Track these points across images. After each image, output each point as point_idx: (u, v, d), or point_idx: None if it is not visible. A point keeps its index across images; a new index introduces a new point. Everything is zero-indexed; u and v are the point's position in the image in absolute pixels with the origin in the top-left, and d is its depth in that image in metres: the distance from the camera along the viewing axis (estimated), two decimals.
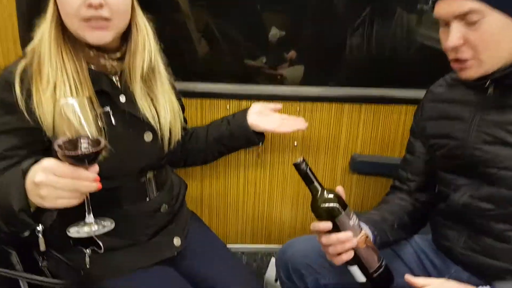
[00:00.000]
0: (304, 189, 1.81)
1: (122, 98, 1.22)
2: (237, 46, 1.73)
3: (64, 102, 0.89)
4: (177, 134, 1.33)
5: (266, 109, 1.57)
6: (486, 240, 1.17)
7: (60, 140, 0.88)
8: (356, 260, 1.13)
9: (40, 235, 1.07)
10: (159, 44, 1.29)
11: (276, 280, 1.83)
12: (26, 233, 1.09)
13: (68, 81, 1.11)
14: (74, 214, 0.97)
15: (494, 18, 1.02)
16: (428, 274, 1.31)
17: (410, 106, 1.74)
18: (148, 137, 1.26)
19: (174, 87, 1.39)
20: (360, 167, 1.83)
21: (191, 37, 1.70)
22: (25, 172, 0.92)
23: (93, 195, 0.96)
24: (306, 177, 1.12)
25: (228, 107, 1.73)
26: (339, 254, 1.11)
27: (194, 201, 1.87)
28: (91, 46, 1.15)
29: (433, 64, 1.67)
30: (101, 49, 1.17)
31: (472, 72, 1.10)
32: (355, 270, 1.15)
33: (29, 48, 1.15)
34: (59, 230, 1.00)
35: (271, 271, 1.89)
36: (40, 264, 1.21)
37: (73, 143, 0.88)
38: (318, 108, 1.75)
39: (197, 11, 1.68)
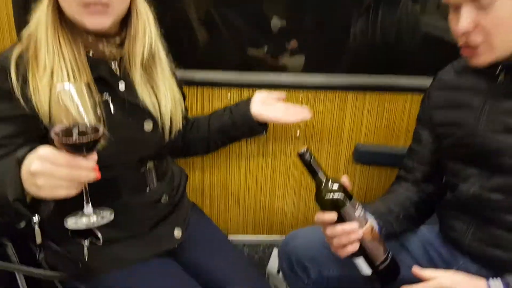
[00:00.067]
0: (306, 179, 1.84)
1: (121, 86, 1.18)
2: (238, 33, 1.69)
3: (61, 88, 0.86)
4: (178, 123, 1.30)
5: (270, 98, 1.54)
6: (496, 232, 1.14)
7: (57, 128, 0.86)
8: (362, 252, 1.11)
9: (36, 227, 1.05)
10: (160, 30, 1.25)
11: (278, 272, 1.82)
12: (22, 224, 1.07)
13: (66, 67, 1.08)
14: (72, 205, 0.95)
15: (506, 1, 0.99)
16: (435, 266, 1.28)
17: (415, 94, 1.71)
18: (148, 125, 1.23)
19: (175, 75, 1.36)
20: (364, 157, 1.81)
21: (191, 23, 1.66)
22: (20, 161, 0.89)
23: (91, 185, 0.93)
24: (310, 167, 1.10)
25: (229, 96, 1.70)
26: (344, 246, 1.09)
27: (194, 192, 1.85)
28: (89, 32, 1.12)
29: (439, 51, 1.66)
30: (99, 35, 1.13)
31: (483, 58, 1.06)
32: (361, 263, 1.13)
33: (25, 33, 1.11)
34: (57, 221, 0.97)
35: (273, 263, 1.88)
36: (37, 256, 1.18)
37: (71, 130, 0.86)
38: (321, 97, 1.72)
39: None
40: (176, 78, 1.36)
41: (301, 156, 1.09)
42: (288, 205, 1.91)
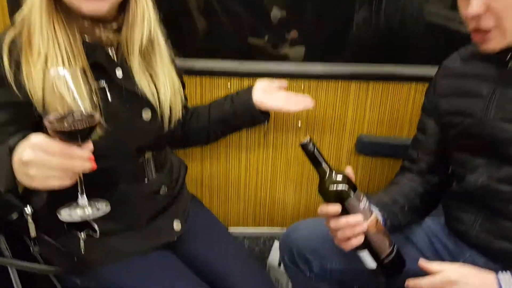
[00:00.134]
0: (308, 170, 1.82)
1: (119, 73, 1.15)
2: (238, 21, 1.66)
3: (55, 73, 0.83)
4: (178, 113, 1.27)
5: (272, 86, 1.51)
6: (504, 223, 1.12)
7: (51, 116, 0.83)
8: (366, 245, 1.08)
9: (29, 219, 1.02)
10: (159, 15, 1.21)
11: (279, 265, 1.81)
12: (14, 216, 1.04)
13: (60, 53, 1.04)
14: (67, 196, 0.92)
15: None
16: (441, 259, 1.26)
17: (420, 84, 1.67)
18: (146, 114, 1.20)
19: (174, 62, 1.32)
20: (367, 148, 1.78)
21: (190, 10, 1.62)
22: (12, 149, 0.86)
23: (87, 176, 0.90)
24: (314, 158, 1.07)
25: (229, 86, 1.67)
26: (348, 238, 1.07)
27: (194, 184, 1.83)
28: (85, 16, 1.08)
29: (444, 39, 1.63)
30: (96, 20, 1.10)
31: (494, 43, 1.03)
32: (365, 256, 1.10)
33: (18, 17, 1.07)
34: (51, 213, 0.94)
35: (274, 255, 1.87)
36: (31, 249, 1.15)
37: (65, 118, 0.82)
38: (323, 87, 1.69)
39: None
40: (175, 65, 1.33)
41: (304, 147, 1.06)
42: (289, 196, 1.89)
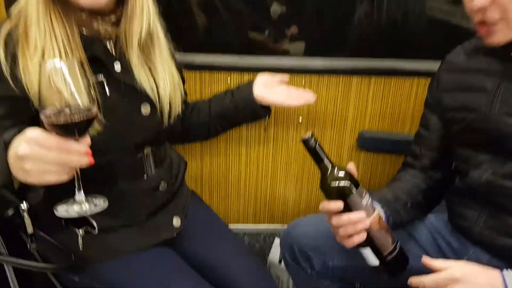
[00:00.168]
0: (309, 166, 1.81)
1: (117, 67, 1.13)
2: (239, 15, 1.64)
3: (52, 66, 0.81)
4: (177, 107, 1.26)
5: (272, 80, 1.49)
6: (509, 220, 1.10)
7: (47, 110, 0.81)
8: (369, 242, 1.06)
9: (25, 215, 1.00)
10: (158, 8, 1.19)
11: (280, 261, 1.80)
12: (10, 212, 1.02)
13: (58, 46, 1.02)
14: (64, 191, 0.90)
15: None
16: (445, 256, 1.25)
17: (422, 79, 1.66)
18: (145, 109, 1.18)
19: (174, 57, 1.30)
20: (368, 144, 1.77)
21: (190, 4, 1.60)
22: (7, 144, 0.84)
23: (85, 172, 0.88)
24: (315, 154, 1.05)
25: (229, 81, 1.66)
26: (351, 236, 1.05)
27: (193, 180, 1.82)
28: (83, 9, 1.06)
29: (446, 34, 1.61)
30: (94, 12, 1.07)
31: (499, 36, 1.01)
32: (368, 253, 1.08)
33: (14, 9, 1.05)
34: (47, 209, 0.92)
35: (274, 252, 1.86)
36: (28, 246, 1.13)
37: (61, 111, 0.80)
38: (324, 81, 1.67)
39: None
40: (175, 60, 1.31)
41: (306, 142, 1.04)
42: (289, 193, 1.88)
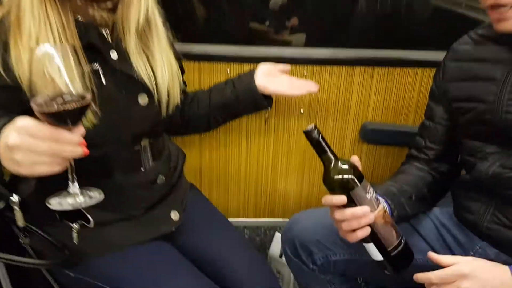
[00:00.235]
0: (310, 159, 1.78)
1: (113, 55, 1.10)
2: (239, 4, 1.61)
3: (43, 51, 0.78)
4: (176, 97, 1.23)
5: (274, 70, 1.46)
6: None
7: (38, 97, 0.78)
8: (373, 237, 1.04)
9: (16, 207, 0.97)
10: None
11: (280, 256, 1.79)
12: (1, 205, 0.99)
13: (52, 34, 0.99)
14: (57, 183, 0.87)
15: None
16: (450, 250, 1.23)
17: (426, 69, 1.63)
18: (143, 99, 1.15)
19: (172, 45, 1.27)
20: (371, 136, 1.74)
21: None
22: None
23: (80, 164, 0.86)
24: (318, 146, 1.02)
25: (228, 71, 1.63)
26: (354, 230, 1.02)
27: (192, 173, 1.80)
28: None
29: (451, 23, 1.58)
30: None
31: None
32: (371, 248, 1.06)
33: None
34: (40, 202, 0.89)
35: (275, 246, 1.85)
36: (21, 241, 1.10)
37: (53, 98, 0.78)
38: (326, 72, 1.64)
39: None
40: (174, 48, 1.28)
41: (308, 134, 1.01)
42: (290, 186, 1.86)
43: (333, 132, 1.75)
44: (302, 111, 1.70)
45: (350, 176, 1.01)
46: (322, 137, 1.01)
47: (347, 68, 1.64)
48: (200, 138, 1.73)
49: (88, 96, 0.81)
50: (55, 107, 0.77)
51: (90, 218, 1.09)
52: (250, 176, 1.83)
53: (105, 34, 1.09)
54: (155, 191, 1.25)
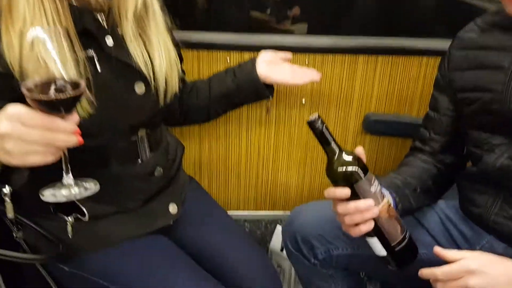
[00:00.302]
0: (312, 151, 1.75)
1: (109, 41, 1.06)
2: None
3: (34, 35, 0.75)
4: (174, 86, 1.20)
5: (276, 58, 1.43)
6: None
7: (29, 82, 0.75)
8: (377, 231, 1.01)
9: (7, 199, 0.94)
10: None
11: (281, 249, 1.77)
12: None
13: (46, 19, 0.95)
14: (51, 174, 0.84)
15: None
16: (457, 245, 1.20)
17: (431, 58, 1.60)
18: (139, 88, 1.12)
19: (170, 32, 1.24)
20: (375, 127, 1.72)
21: None
22: None
23: (74, 155, 0.83)
24: (322, 137, 0.99)
25: (228, 60, 1.59)
26: (357, 224, 1.00)
27: (191, 165, 1.77)
28: None
29: (457, 10, 1.55)
30: None
31: None
32: (375, 243, 1.03)
33: None
34: (33, 194, 0.86)
35: (276, 240, 1.83)
36: (14, 234, 1.08)
37: (46, 85, 0.75)
38: (329, 61, 1.61)
39: None
40: (172, 34, 1.24)
41: (312, 124, 0.98)
42: (291, 178, 1.84)
43: (335, 123, 1.72)
44: (304, 101, 1.67)
45: (354, 169, 0.98)
46: (326, 128, 0.98)
47: (350, 57, 1.61)
48: (199, 129, 1.71)
49: (82, 83, 0.78)
50: (47, 93, 0.74)
51: (85, 211, 1.07)
52: (250, 168, 1.81)
53: (100, 19, 1.06)
54: (152, 183, 1.22)
